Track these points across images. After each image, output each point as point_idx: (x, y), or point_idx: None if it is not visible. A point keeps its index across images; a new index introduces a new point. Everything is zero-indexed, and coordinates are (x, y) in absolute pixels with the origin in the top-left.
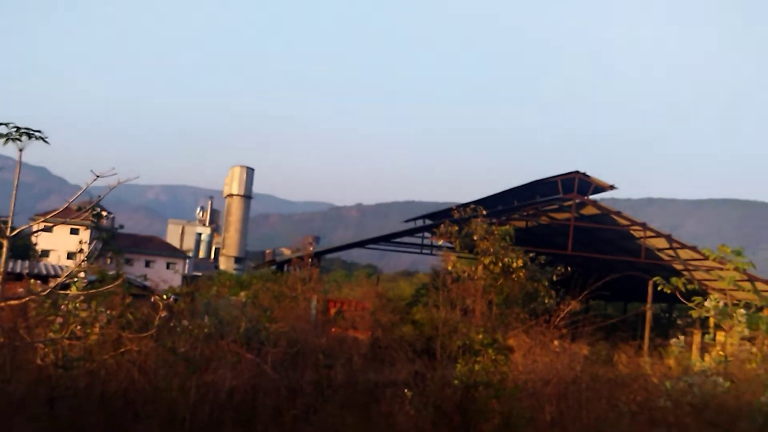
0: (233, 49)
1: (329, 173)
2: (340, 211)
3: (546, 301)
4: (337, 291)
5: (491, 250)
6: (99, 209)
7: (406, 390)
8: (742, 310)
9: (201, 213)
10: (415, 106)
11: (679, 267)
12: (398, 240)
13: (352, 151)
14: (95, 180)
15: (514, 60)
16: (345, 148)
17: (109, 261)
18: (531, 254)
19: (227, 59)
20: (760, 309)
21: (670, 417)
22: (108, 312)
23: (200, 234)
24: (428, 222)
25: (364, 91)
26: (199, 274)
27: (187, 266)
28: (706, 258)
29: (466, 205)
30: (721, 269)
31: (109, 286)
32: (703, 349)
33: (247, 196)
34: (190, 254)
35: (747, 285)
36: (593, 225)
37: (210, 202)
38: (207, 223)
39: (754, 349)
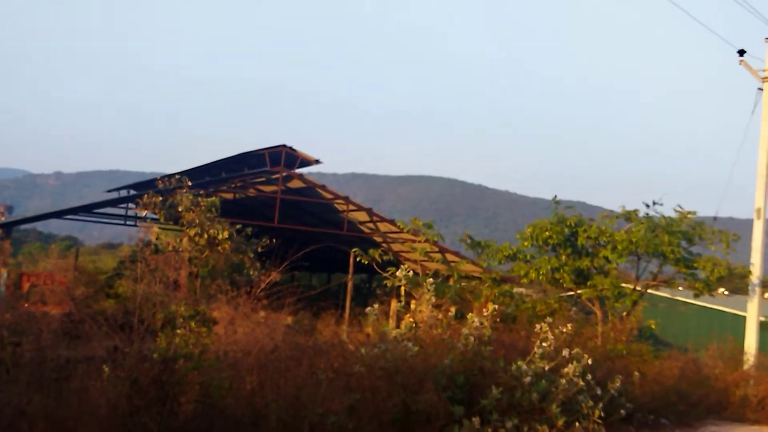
0: None
1: (24, 137)
2: (36, 179)
3: (251, 272)
4: (33, 264)
5: (197, 221)
6: None
7: (104, 366)
8: (431, 279)
9: None
10: (119, 66)
11: (378, 239)
12: (100, 211)
13: (51, 113)
14: None
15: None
16: (42, 110)
17: None
18: (237, 226)
19: None
20: (447, 278)
21: (364, 382)
22: None
23: None
24: (133, 192)
25: (63, 49)
26: None
27: None
28: (402, 230)
29: (171, 176)
30: (415, 241)
31: None
32: (399, 317)
33: None
34: None
35: (438, 256)
36: (299, 198)
37: None
38: None
39: (441, 316)
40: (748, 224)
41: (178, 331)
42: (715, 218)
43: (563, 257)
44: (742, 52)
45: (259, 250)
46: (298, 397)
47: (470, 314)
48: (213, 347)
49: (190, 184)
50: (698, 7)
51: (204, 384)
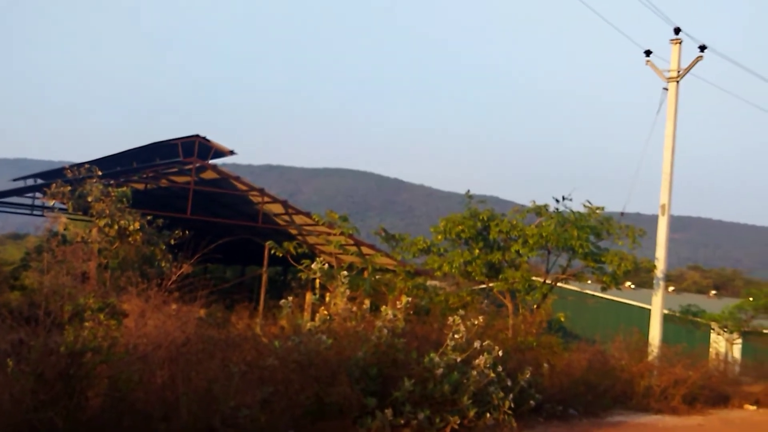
0: None
1: None
2: None
3: (163, 264)
4: None
5: (107, 212)
6: None
7: (8, 359)
8: (345, 272)
9: None
10: (29, 52)
11: (293, 232)
12: (6, 200)
13: None
14: None
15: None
16: None
17: None
18: (149, 217)
19: None
20: (362, 271)
21: (278, 375)
22: None
23: None
24: (40, 181)
25: None
26: None
27: None
28: (317, 223)
29: (81, 165)
30: (330, 234)
31: None
32: (314, 310)
33: None
34: None
35: (354, 248)
36: (213, 189)
37: None
38: None
39: (355, 308)
40: (653, 220)
41: (87, 323)
42: (622, 214)
43: (476, 251)
44: (648, 53)
45: (172, 242)
46: (210, 391)
47: (384, 307)
48: (123, 340)
49: (100, 173)
50: (607, 6)
51: (113, 377)
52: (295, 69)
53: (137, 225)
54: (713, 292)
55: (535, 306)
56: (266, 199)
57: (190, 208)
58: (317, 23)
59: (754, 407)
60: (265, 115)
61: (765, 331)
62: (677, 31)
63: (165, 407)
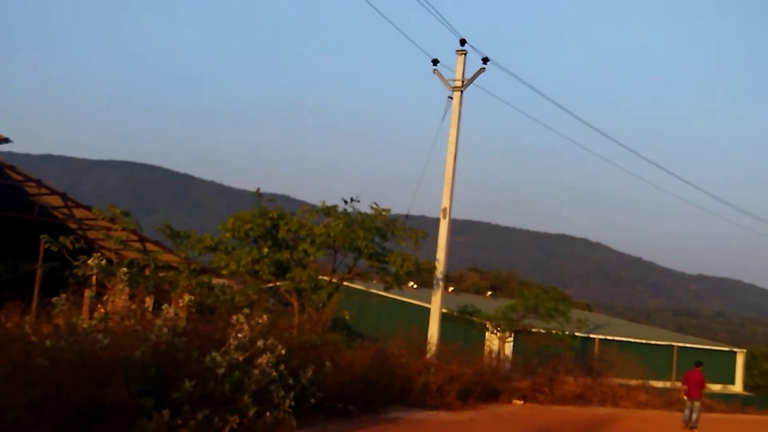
0: None
1: None
2: None
3: None
4: None
5: None
6: None
7: None
8: (125, 269)
9: None
10: None
11: (73, 226)
12: None
13: None
14: None
15: None
16: None
17: None
18: None
19: None
20: (143, 268)
21: (48, 376)
22: None
23: None
24: None
25: None
26: None
27: None
28: (97, 218)
29: None
30: (111, 229)
31: None
32: (93, 308)
33: None
34: None
35: (138, 245)
36: None
37: None
38: None
39: (135, 306)
40: (437, 223)
41: None
42: (407, 216)
43: (264, 249)
44: (435, 62)
45: None
46: None
47: (165, 305)
48: None
49: None
50: (399, 13)
51: None
52: (78, 52)
53: None
54: (489, 292)
55: (321, 305)
56: (44, 190)
57: None
58: (107, 7)
59: (522, 402)
60: (45, 100)
61: (533, 329)
62: (463, 42)
63: None
